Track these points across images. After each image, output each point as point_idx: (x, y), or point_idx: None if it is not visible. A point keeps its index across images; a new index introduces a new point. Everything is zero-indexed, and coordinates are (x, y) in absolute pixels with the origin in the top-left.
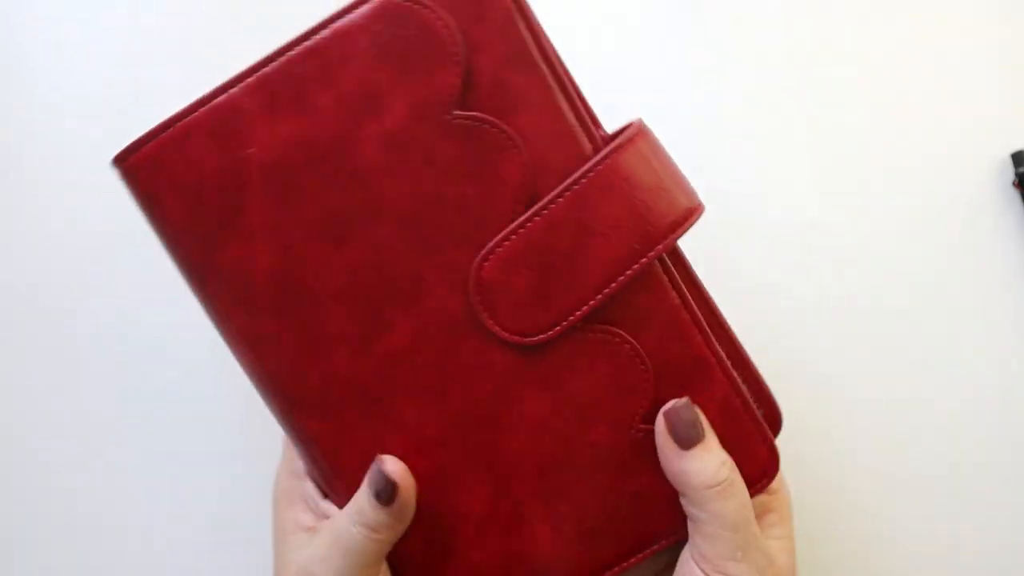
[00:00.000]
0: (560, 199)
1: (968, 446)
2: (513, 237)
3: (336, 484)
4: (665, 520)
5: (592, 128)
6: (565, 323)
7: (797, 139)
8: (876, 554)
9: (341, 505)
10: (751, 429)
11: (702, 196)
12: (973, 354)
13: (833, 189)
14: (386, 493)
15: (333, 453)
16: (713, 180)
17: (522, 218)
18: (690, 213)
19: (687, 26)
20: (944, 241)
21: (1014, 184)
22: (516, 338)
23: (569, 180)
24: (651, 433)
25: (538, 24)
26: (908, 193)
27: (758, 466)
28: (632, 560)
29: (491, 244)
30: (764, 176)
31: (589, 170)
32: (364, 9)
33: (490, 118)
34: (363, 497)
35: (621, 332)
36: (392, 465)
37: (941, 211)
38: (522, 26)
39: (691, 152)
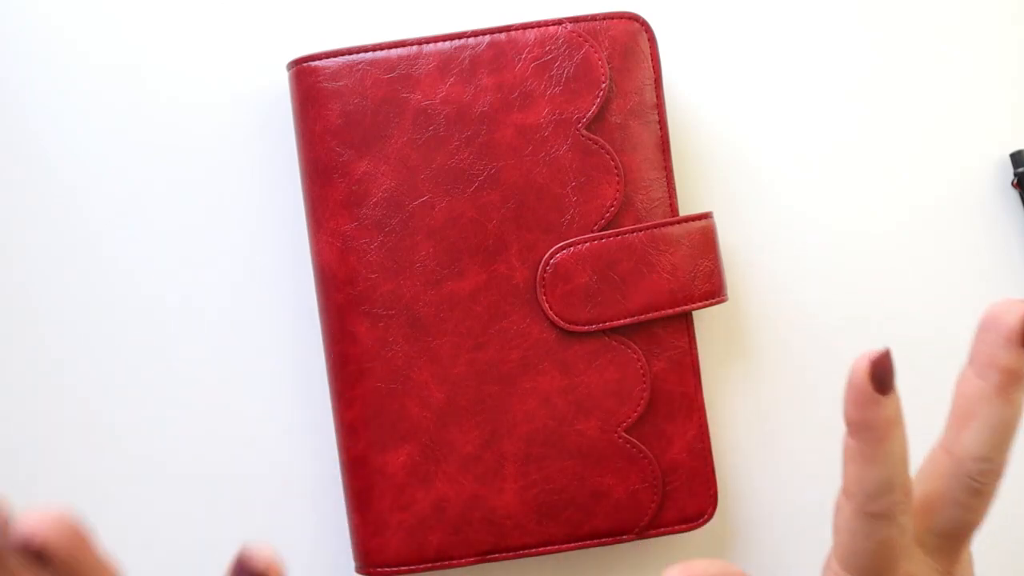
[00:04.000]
0: (641, 232)
1: None
2: (591, 243)
3: (349, 392)
4: (610, 522)
5: (674, 188)
6: (599, 326)
7: (794, 139)
8: None
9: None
10: (705, 472)
11: None
12: None
13: (830, 188)
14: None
15: (368, 356)
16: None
17: (604, 232)
18: (718, 294)
19: (677, 17)
20: (942, 241)
21: (1013, 184)
22: (558, 320)
23: (658, 221)
24: (629, 443)
25: (663, 93)
26: (906, 193)
27: (700, 504)
28: (569, 546)
29: (572, 240)
30: (759, 176)
31: (675, 221)
32: (552, 29)
33: (608, 146)
34: None
35: (639, 350)
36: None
37: (939, 211)
38: (653, 91)
39: (688, 149)
